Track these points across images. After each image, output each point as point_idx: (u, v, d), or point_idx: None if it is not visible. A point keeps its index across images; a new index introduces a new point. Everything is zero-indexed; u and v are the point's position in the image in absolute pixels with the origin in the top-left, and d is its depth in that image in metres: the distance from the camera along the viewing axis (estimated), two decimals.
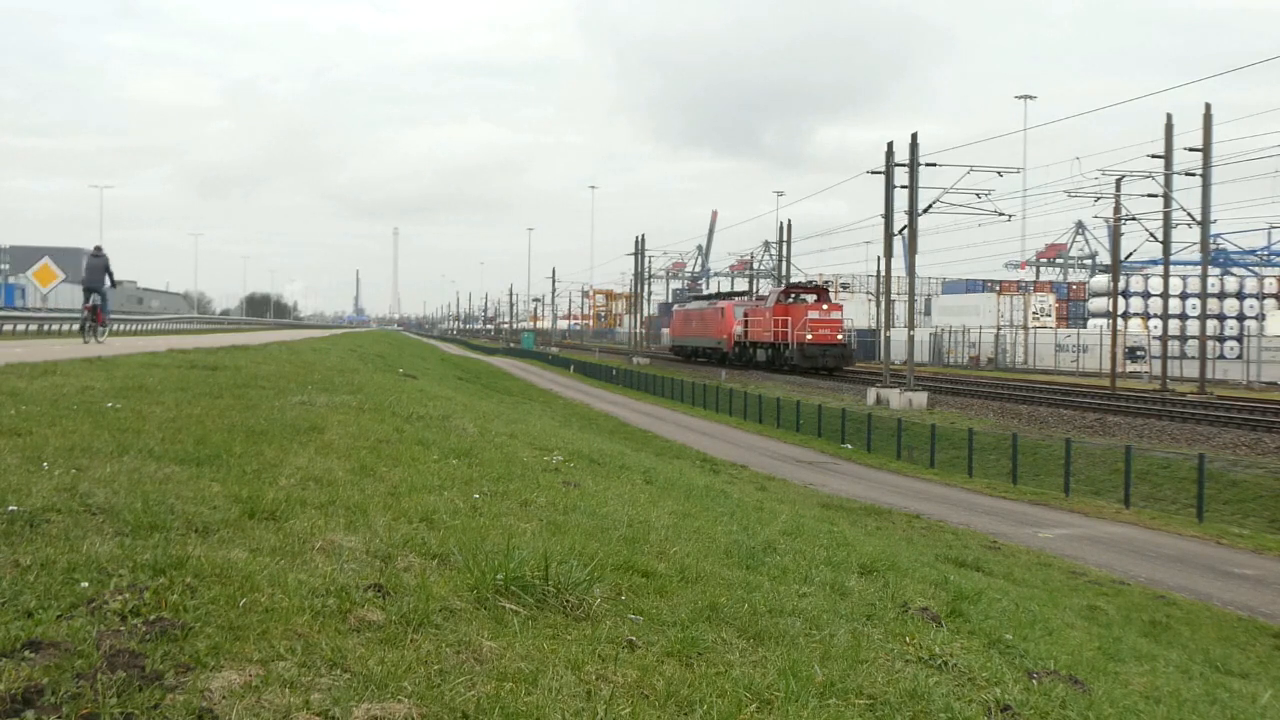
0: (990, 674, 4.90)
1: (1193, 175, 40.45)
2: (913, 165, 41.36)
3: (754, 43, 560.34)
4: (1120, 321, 54.44)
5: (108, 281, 25.24)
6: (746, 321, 63.20)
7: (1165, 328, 53.70)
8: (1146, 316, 68.55)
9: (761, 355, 60.40)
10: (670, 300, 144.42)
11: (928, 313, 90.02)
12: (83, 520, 4.60)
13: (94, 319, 24.77)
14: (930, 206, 42.10)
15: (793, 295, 58.64)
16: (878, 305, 76.18)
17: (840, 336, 55.32)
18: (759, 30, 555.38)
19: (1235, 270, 75.61)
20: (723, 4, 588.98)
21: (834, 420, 34.00)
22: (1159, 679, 7.06)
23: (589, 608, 4.35)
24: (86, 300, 25.04)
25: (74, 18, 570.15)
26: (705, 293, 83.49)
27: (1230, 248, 76.97)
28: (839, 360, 55.07)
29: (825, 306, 56.59)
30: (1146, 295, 70.07)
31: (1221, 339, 68.73)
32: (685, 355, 79.26)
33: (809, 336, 54.14)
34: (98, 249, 25.19)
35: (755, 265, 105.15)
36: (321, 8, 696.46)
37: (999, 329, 73.32)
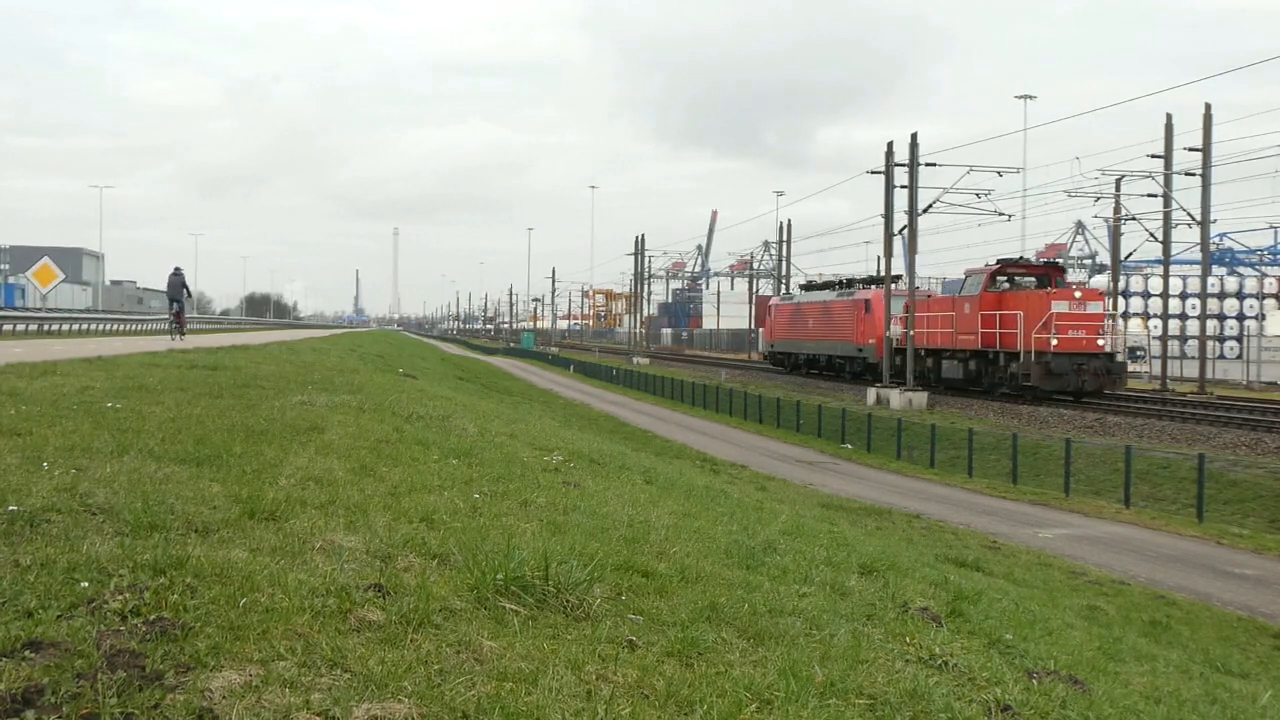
0: (990, 674, 4.90)
1: (1193, 175, 40.45)
2: (912, 165, 41.37)
3: (756, 42, 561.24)
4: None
5: (185, 294, 33.44)
6: (911, 319, 41.99)
7: (1165, 328, 53.59)
8: (1146, 316, 68.52)
9: (951, 368, 40.22)
10: (670, 299, 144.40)
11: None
12: (83, 520, 4.60)
13: (177, 322, 32.90)
14: (930, 206, 42.09)
15: (1008, 278, 38.50)
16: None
17: (1102, 341, 35.59)
18: (761, 30, 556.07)
19: (1241, 270, 75.65)
20: (725, 4, 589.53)
21: (834, 420, 34.00)
22: (1159, 679, 7.06)
23: (589, 608, 4.35)
24: (171, 308, 33.66)
25: (74, 18, 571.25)
26: (825, 279, 59.60)
27: (1237, 247, 76.97)
28: (1102, 379, 34.97)
29: (1077, 294, 36.76)
30: (1146, 295, 70.01)
31: (1221, 339, 68.67)
32: (793, 366, 56.69)
33: (1054, 342, 34.43)
34: (178, 269, 32.89)
35: (755, 265, 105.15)
36: (324, 7, 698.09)
37: None
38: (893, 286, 44.55)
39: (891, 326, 43.44)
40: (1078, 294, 36.67)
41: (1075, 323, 35.07)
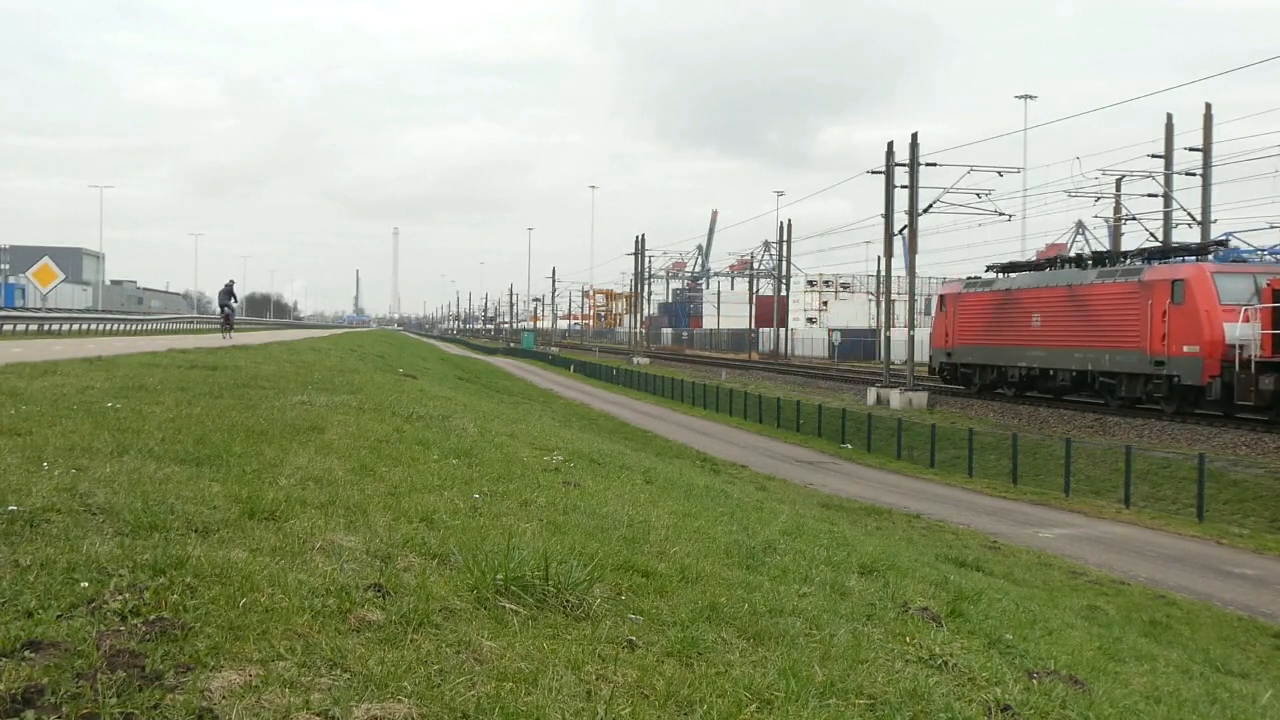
0: (990, 674, 4.90)
1: (1193, 175, 40.49)
2: (913, 165, 41.37)
3: (758, 42, 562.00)
4: None
5: (233, 300, 40.46)
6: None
7: None
8: None
9: None
10: (670, 299, 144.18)
11: (928, 312, 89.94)
12: (83, 520, 4.60)
13: (227, 323, 39.95)
14: (930, 206, 42.12)
15: None
16: (878, 305, 76.04)
17: None
18: (763, 29, 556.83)
19: None
20: (727, 3, 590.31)
21: (834, 420, 34.01)
22: (1159, 679, 7.06)
23: (589, 608, 4.34)
24: (221, 311, 40.88)
25: (74, 18, 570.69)
26: (1051, 256, 40.86)
27: (1243, 246, 76.90)
28: None
29: None
30: None
31: None
32: (989, 384, 37.75)
33: None
34: (230, 281, 40.15)
35: (755, 265, 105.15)
36: (325, 6, 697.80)
37: None
38: (1196, 262, 28.59)
39: (1227, 328, 26.59)
40: None
41: None
